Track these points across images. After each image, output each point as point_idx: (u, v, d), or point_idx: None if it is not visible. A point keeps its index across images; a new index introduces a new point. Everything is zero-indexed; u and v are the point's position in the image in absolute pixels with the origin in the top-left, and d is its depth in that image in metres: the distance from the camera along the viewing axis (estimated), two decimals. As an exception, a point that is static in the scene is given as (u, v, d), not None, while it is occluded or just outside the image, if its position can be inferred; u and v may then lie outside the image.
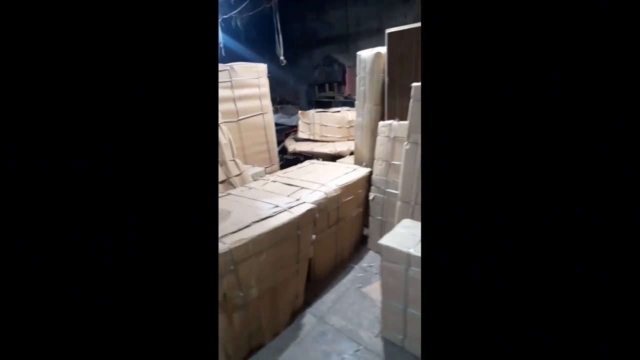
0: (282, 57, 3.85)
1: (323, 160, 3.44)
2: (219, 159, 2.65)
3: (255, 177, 3.05)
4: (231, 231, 1.61)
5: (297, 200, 2.10)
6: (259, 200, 2.12)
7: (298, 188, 2.39)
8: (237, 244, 1.51)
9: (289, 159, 4.60)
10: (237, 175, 2.78)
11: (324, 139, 4.11)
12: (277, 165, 3.89)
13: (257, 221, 1.74)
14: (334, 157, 3.68)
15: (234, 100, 3.31)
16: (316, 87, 6.76)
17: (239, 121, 3.40)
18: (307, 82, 7.16)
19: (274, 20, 3.75)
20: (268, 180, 2.68)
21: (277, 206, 1.96)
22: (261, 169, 3.36)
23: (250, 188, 2.47)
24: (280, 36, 3.83)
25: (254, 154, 3.59)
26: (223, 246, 1.48)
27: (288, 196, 2.21)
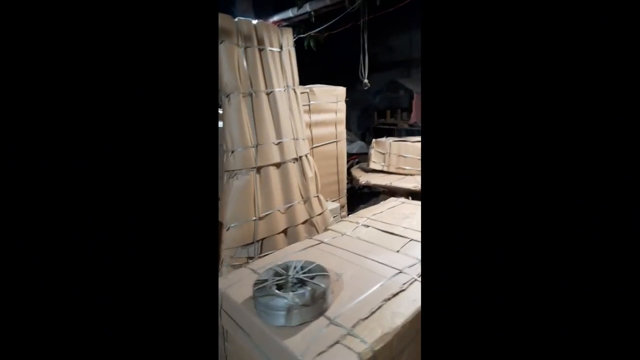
0: (366, 80, 3.51)
1: (400, 196, 2.95)
2: (304, 195, 2.25)
3: (333, 214, 2.62)
4: (362, 317, 1.14)
5: (417, 259, 1.61)
6: (365, 256, 1.65)
7: (406, 240, 1.89)
8: (381, 343, 1.03)
9: (356, 192, 4.17)
10: (319, 215, 2.36)
11: (400, 171, 3.64)
12: (344, 199, 3.45)
13: (388, 299, 1.26)
14: (414, 194, 3.18)
15: (309, 125, 2.96)
16: (375, 113, 6.40)
17: (313, 149, 3.03)
18: (361, 107, 6.85)
19: (361, 40, 3.45)
20: (357, 224, 2.22)
21: (399, 271, 1.47)
22: (336, 205, 2.93)
23: (343, 234, 2.02)
24: (367, 57, 3.51)
25: (324, 186, 3.19)
26: (363, 346, 1.00)
27: (398, 251, 1.73)
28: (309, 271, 1.35)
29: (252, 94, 1.94)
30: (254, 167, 1.96)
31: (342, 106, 3.26)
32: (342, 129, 3.28)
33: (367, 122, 6.77)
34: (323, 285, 1.23)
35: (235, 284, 1.48)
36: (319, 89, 3.01)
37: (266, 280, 1.31)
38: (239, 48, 1.88)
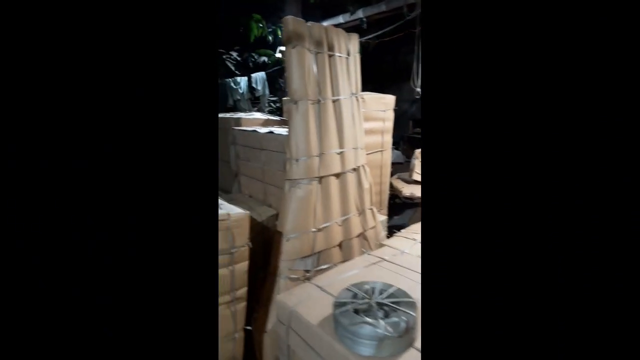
0: (418, 89, 3.41)
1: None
2: (359, 207, 2.16)
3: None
4: None
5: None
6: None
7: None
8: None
9: (388, 203, 4.05)
10: (372, 228, 2.27)
11: (445, 185, 3.48)
12: (385, 210, 3.34)
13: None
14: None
15: (358, 134, 2.87)
16: (410, 122, 6.27)
17: (360, 158, 2.94)
18: (395, 115, 6.72)
19: (416, 47, 3.36)
20: (414, 240, 2.11)
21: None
22: (384, 217, 2.82)
23: (402, 252, 1.92)
24: (420, 64, 3.41)
25: (367, 197, 3.09)
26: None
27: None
28: (392, 295, 1.26)
29: (319, 101, 1.88)
30: (317, 177, 1.89)
31: (391, 115, 3.16)
32: (388, 138, 3.19)
33: (401, 131, 6.64)
34: (414, 314, 1.14)
35: (304, 302, 1.41)
36: (369, 96, 2.93)
37: (346, 303, 1.23)
38: (311, 54, 1.82)
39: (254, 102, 4.48)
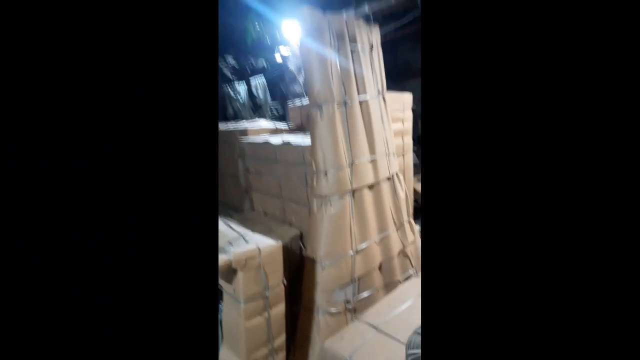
0: None
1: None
2: (397, 220, 1.90)
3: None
4: None
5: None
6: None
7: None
8: None
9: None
10: (412, 243, 2.01)
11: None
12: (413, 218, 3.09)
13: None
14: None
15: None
16: (420, 122, 6.05)
17: (380, 163, 2.69)
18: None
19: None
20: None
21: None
22: (418, 227, 2.57)
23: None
24: None
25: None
26: None
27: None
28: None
29: (346, 104, 1.62)
30: (349, 191, 1.63)
31: (409, 115, 2.91)
32: (408, 140, 2.92)
33: (414, 132, 6.41)
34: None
35: (362, 350, 1.14)
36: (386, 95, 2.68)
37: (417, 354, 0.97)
38: (333, 49, 1.57)
39: (255, 109, 4.22)
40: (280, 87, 4.71)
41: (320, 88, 1.54)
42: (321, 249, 1.57)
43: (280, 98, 4.64)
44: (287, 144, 2.07)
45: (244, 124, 3.10)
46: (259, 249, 1.16)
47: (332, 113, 1.56)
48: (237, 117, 4.12)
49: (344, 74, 1.61)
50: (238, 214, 2.78)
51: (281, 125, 3.13)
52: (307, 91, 1.62)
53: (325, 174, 1.58)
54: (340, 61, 1.60)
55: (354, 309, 1.63)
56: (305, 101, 3.63)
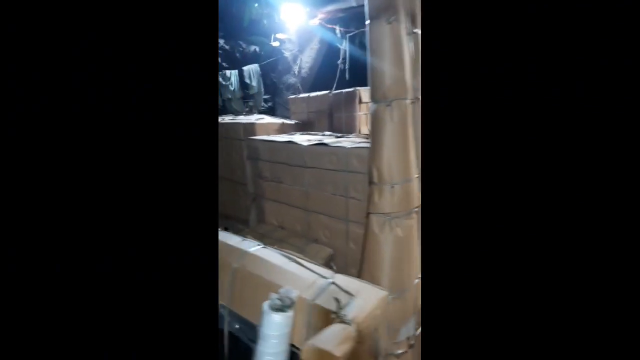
0: None
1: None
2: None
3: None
4: None
5: None
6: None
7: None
8: None
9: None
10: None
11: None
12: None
13: None
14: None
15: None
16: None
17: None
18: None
19: None
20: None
21: None
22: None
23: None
24: None
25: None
26: None
27: None
28: None
29: (416, 101, 1.34)
30: (416, 208, 1.36)
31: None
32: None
33: None
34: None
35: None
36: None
37: None
38: (407, 35, 1.27)
39: (245, 100, 3.75)
40: (272, 76, 4.29)
41: (393, 80, 1.24)
42: (385, 279, 1.28)
43: (270, 89, 4.22)
44: (321, 145, 1.73)
45: (249, 119, 2.69)
46: (356, 323, 0.80)
47: (405, 112, 1.27)
48: (225, 109, 3.63)
49: (416, 65, 1.33)
50: (244, 226, 2.38)
51: (289, 121, 2.76)
52: (373, 84, 1.31)
53: (392, 187, 1.29)
54: (411, 48, 1.31)
55: (413, 346, 1.37)
56: (302, 94, 3.30)
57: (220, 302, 0.99)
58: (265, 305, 0.78)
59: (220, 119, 2.93)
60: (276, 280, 0.90)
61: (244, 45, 3.87)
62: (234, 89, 3.54)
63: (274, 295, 0.79)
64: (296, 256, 1.07)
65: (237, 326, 0.98)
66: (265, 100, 4.19)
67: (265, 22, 3.53)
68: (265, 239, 1.61)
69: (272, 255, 1.06)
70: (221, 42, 3.71)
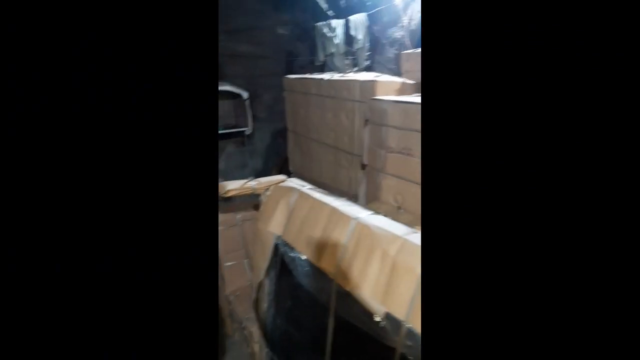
0: None
1: None
2: None
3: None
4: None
5: None
6: None
7: None
8: None
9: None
10: None
11: None
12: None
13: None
14: None
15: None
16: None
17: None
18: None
19: None
20: None
21: None
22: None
23: None
24: None
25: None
26: None
27: None
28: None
29: None
30: None
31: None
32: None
33: None
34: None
35: None
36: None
37: None
38: None
39: (347, 57, 3.38)
40: (374, 30, 3.79)
41: None
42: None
43: (371, 45, 3.76)
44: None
45: (363, 76, 2.35)
46: None
47: None
48: (327, 65, 3.32)
49: None
50: (354, 203, 2.16)
51: (408, 80, 2.35)
52: None
53: None
54: None
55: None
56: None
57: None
58: None
59: (321, 77, 2.65)
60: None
61: (347, -10, 3.39)
62: (339, 42, 3.17)
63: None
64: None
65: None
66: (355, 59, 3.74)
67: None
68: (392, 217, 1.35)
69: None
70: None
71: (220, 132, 3.24)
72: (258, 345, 1.82)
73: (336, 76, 2.55)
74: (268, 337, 1.63)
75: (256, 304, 1.66)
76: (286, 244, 1.46)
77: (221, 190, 1.66)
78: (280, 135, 3.94)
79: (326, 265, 1.21)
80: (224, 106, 3.52)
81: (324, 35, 3.18)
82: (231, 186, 1.68)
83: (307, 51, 3.97)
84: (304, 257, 1.35)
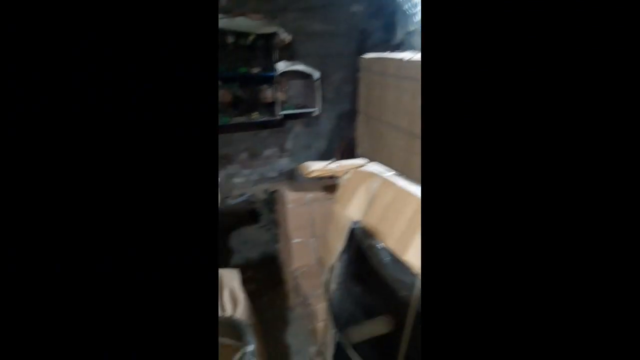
0: None
1: None
2: None
3: None
4: None
5: None
6: None
7: None
8: None
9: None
10: None
11: None
12: None
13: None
14: None
15: None
16: None
17: None
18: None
19: None
20: None
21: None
22: None
23: None
24: None
25: None
26: None
27: None
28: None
29: None
30: None
31: None
32: None
33: None
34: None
35: None
36: None
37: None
38: None
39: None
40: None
41: None
42: None
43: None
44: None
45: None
46: None
47: None
48: (401, 47, 3.13)
49: None
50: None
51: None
52: None
53: None
54: None
55: None
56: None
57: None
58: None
59: (401, 56, 2.49)
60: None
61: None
62: (418, 20, 2.95)
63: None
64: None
65: None
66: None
67: None
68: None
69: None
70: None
71: (290, 112, 3.28)
72: (323, 323, 1.87)
73: (418, 56, 2.38)
74: (335, 318, 1.66)
75: (327, 285, 1.69)
76: (364, 231, 1.43)
77: (305, 170, 1.68)
78: (346, 118, 3.89)
79: (412, 259, 1.16)
80: (295, 86, 3.55)
81: (404, 12, 2.97)
82: (314, 167, 1.70)
83: (381, 29, 3.77)
84: (384, 246, 1.31)
